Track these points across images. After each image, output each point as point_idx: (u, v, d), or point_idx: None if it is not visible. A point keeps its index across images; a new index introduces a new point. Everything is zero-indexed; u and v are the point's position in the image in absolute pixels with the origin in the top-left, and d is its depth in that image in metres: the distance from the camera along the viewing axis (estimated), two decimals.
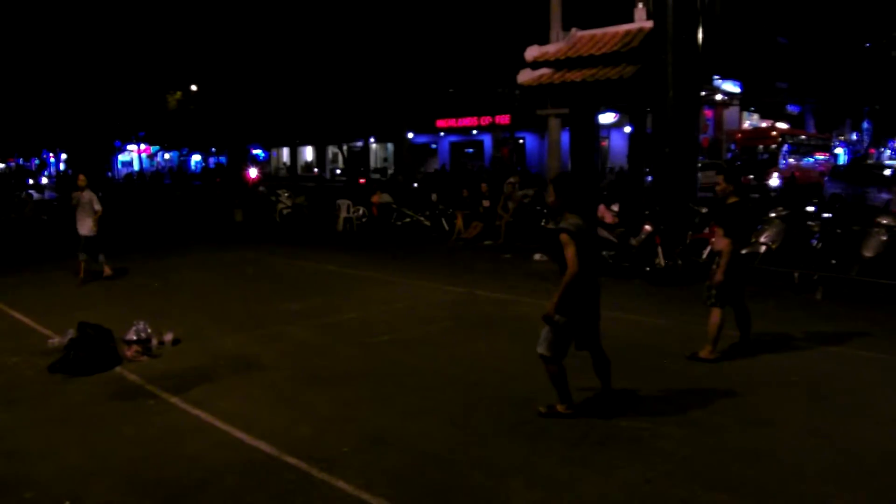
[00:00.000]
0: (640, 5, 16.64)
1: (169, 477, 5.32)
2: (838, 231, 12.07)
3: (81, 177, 13.44)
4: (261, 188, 33.50)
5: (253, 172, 50.99)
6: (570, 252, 5.74)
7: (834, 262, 11.71)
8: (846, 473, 5.23)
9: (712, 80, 34.26)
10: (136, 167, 77.40)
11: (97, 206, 13.11)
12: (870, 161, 43.23)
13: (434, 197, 22.33)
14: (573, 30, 17.99)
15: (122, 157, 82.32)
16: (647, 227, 13.06)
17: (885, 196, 20.53)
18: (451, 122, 52.25)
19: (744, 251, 8.24)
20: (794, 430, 6.01)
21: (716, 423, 6.12)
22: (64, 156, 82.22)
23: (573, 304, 5.89)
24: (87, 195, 13.17)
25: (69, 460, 5.63)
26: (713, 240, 8.10)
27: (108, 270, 13.54)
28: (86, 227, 13.11)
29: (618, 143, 44.20)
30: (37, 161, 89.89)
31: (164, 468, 5.46)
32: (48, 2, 51.57)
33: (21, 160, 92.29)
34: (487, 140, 51.33)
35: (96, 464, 5.55)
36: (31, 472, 5.43)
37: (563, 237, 5.76)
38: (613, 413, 6.24)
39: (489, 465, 5.39)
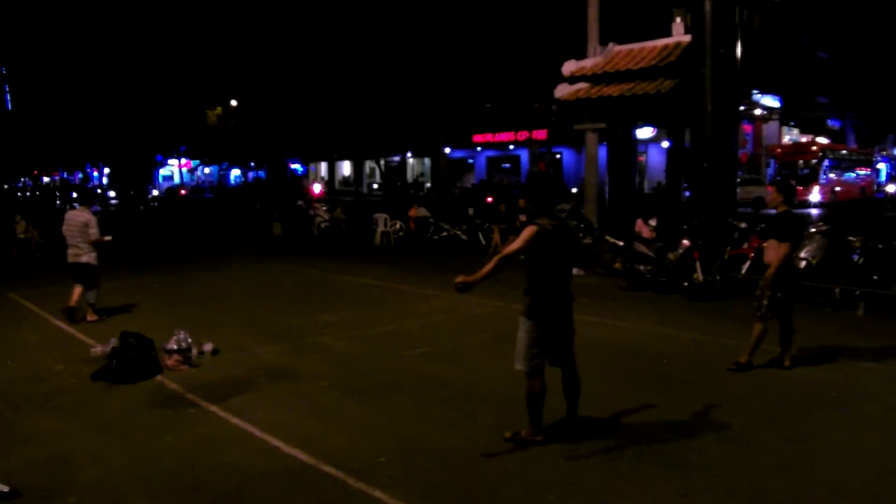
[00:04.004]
0: (678, 20, 16.63)
1: (208, 484, 5.40)
2: (880, 246, 11.89)
3: None
4: (300, 202, 33.80)
5: (317, 188, 52.01)
6: (519, 240, 5.74)
7: (876, 277, 11.54)
8: (886, 492, 5.16)
9: (751, 94, 33.99)
10: (176, 181, 78.62)
11: None
12: None
13: (471, 211, 22.35)
14: (611, 44, 18.03)
15: (162, 172, 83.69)
16: (686, 242, 12.98)
17: None
18: (488, 137, 52.46)
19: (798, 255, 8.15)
20: (834, 446, 5.93)
21: (753, 438, 6.07)
22: (107, 170, 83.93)
23: (540, 309, 5.85)
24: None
25: (112, 466, 5.73)
26: (766, 252, 7.97)
27: None
28: None
29: (655, 158, 44.01)
30: (80, 175, 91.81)
31: (204, 475, 5.55)
32: (93, 20, 52.83)
33: (65, 174, 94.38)
34: (524, 155, 51.34)
35: (138, 470, 5.65)
36: (74, 477, 5.55)
37: (528, 229, 5.76)
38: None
39: (525, 478, 5.39)
